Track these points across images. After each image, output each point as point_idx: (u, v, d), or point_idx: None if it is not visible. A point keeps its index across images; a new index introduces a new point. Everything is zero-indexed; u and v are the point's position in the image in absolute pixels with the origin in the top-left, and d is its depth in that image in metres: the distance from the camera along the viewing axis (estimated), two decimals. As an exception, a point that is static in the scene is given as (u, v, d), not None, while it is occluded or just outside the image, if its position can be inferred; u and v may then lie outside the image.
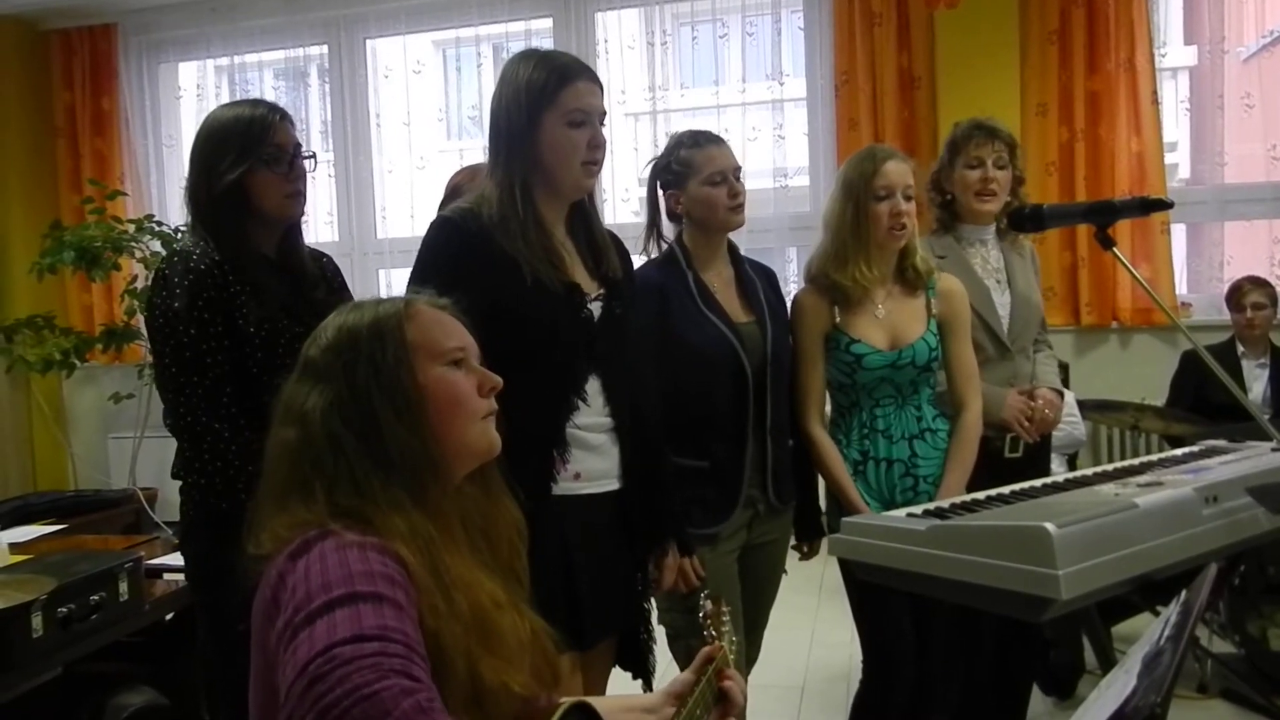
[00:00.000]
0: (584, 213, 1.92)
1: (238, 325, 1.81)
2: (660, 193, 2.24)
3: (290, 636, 0.92)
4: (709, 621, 1.48)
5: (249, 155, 1.85)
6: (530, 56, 1.84)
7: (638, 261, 2.18)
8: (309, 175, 1.97)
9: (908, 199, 2.18)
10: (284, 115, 1.92)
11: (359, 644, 0.87)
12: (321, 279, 2.02)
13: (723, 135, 2.27)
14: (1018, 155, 2.46)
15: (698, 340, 2.11)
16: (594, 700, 1.24)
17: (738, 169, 2.18)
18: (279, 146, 1.88)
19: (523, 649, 1.15)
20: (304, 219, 2.03)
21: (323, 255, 2.10)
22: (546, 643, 1.21)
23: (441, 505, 1.15)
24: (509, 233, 1.77)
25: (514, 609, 1.17)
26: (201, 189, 1.87)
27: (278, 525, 1.09)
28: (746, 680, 1.61)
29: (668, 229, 2.27)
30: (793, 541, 2.37)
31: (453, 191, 2.58)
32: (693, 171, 2.16)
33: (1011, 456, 2.39)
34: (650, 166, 2.28)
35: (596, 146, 1.82)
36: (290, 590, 0.98)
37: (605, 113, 1.86)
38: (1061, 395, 2.50)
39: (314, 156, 1.99)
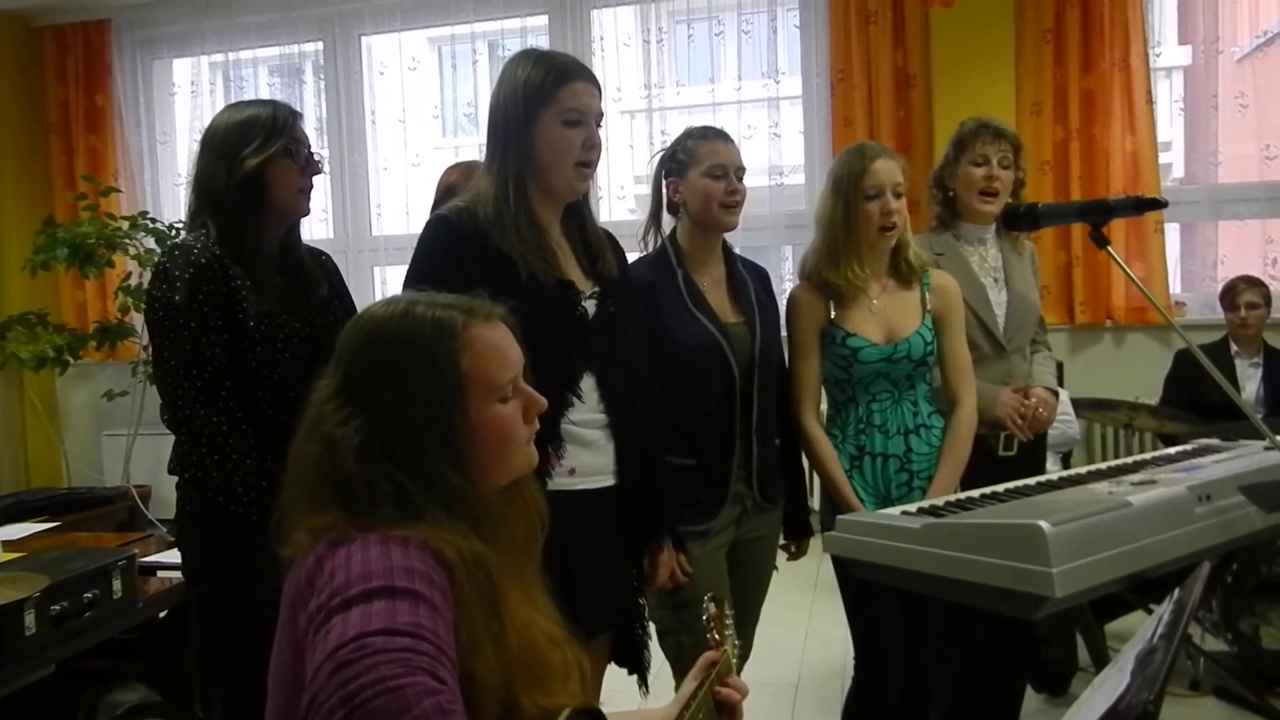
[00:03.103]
0: (578, 211, 1.92)
1: (237, 319, 1.81)
2: (664, 181, 2.24)
3: (323, 620, 0.92)
4: (712, 625, 1.48)
5: (272, 143, 1.86)
6: (530, 55, 1.84)
7: (634, 257, 2.18)
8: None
9: (898, 197, 2.19)
10: (300, 116, 1.95)
11: (390, 637, 0.87)
12: (323, 276, 2.02)
13: (720, 128, 2.26)
14: (1022, 157, 2.47)
15: (685, 340, 2.12)
16: (610, 715, 1.24)
17: (740, 169, 2.18)
18: (297, 140, 1.91)
19: (571, 680, 1.15)
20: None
21: (321, 253, 2.10)
22: (585, 663, 1.20)
23: (496, 532, 1.13)
24: (503, 229, 1.78)
25: (566, 643, 1.16)
26: (220, 176, 1.86)
27: (310, 523, 1.07)
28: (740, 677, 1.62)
29: (668, 223, 2.26)
30: (781, 541, 2.37)
31: (446, 190, 2.58)
32: (694, 161, 2.16)
33: (1005, 455, 2.40)
34: (659, 154, 2.28)
35: (591, 147, 1.82)
36: (328, 575, 0.97)
37: (602, 115, 1.86)
38: (1056, 395, 2.51)
39: (321, 160, 2.00)
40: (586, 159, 1.82)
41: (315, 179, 1.96)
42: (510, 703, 1.05)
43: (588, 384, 1.84)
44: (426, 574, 0.98)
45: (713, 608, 1.50)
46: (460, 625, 0.99)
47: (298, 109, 1.97)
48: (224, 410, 1.78)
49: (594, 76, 1.86)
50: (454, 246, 1.78)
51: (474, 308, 1.17)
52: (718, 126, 2.25)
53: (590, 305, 1.85)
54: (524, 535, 1.22)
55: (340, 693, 0.83)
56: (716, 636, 1.47)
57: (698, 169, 2.15)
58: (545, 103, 1.78)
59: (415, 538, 1.01)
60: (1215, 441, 2.04)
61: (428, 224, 1.85)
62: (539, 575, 1.23)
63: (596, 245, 1.92)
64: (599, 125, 1.85)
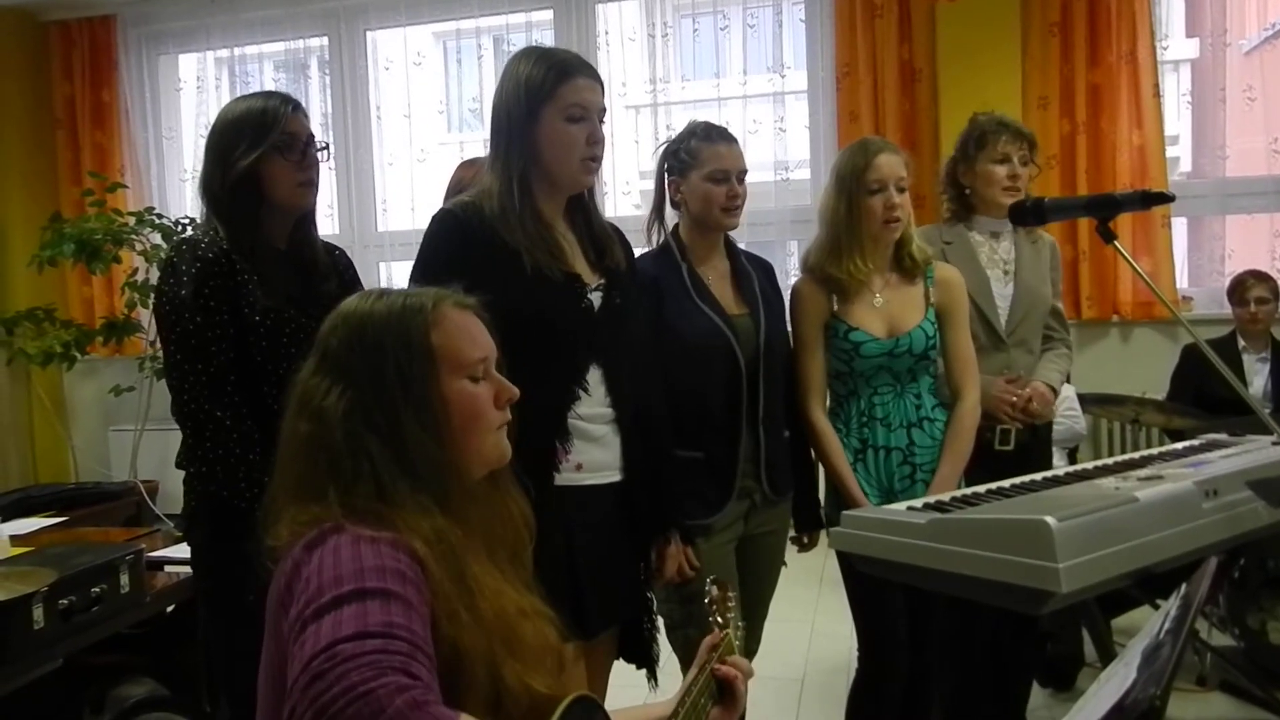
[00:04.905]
0: (583, 205, 1.93)
1: (243, 314, 1.81)
2: (665, 177, 2.24)
3: (299, 630, 0.93)
4: (715, 607, 1.48)
5: (261, 142, 1.85)
6: (532, 53, 1.85)
7: (640, 252, 2.18)
8: (321, 165, 1.97)
9: (900, 191, 2.19)
10: (296, 106, 1.93)
11: (361, 641, 0.88)
12: (334, 272, 2.02)
13: (724, 128, 2.26)
14: (1036, 153, 2.50)
15: (690, 332, 2.12)
16: (612, 711, 1.25)
17: (742, 172, 2.17)
18: (291, 134, 1.89)
19: (545, 653, 1.17)
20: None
21: (336, 249, 2.10)
22: (560, 644, 1.22)
23: (465, 510, 1.16)
24: (508, 224, 1.78)
25: (536, 615, 1.18)
26: (215, 178, 1.87)
27: (295, 515, 1.09)
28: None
29: (671, 216, 2.26)
30: (792, 533, 2.37)
31: (458, 187, 2.58)
32: (697, 164, 2.15)
33: (1002, 449, 2.39)
34: (663, 148, 2.27)
35: (595, 143, 1.83)
36: (304, 582, 0.99)
37: (605, 110, 1.87)
38: (1056, 391, 2.50)
39: (327, 148, 1.99)
40: (591, 154, 1.83)
41: (322, 171, 1.95)
42: (495, 672, 1.06)
43: (594, 377, 1.84)
44: (398, 570, 0.99)
45: (715, 590, 1.50)
46: (438, 607, 1.02)
47: (302, 103, 1.96)
48: (228, 405, 1.79)
49: (596, 72, 1.86)
50: (460, 241, 1.78)
51: (446, 294, 1.23)
52: (722, 126, 2.25)
53: (596, 298, 1.86)
54: (510, 538, 1.25)
55: (314, 706, 0.84)
56: (720, 619, 1.47)
57: (699, 172, 2.15)
58: (547, 99, 1.79)
59: (385, 536, 1.03)
60: (1222, 436, 2.03)
61: (433, 218, 1.85)
62: (519, 566, 1.25)
63: (603, 238, 1.92)
64: (602, 120, 1.85)
